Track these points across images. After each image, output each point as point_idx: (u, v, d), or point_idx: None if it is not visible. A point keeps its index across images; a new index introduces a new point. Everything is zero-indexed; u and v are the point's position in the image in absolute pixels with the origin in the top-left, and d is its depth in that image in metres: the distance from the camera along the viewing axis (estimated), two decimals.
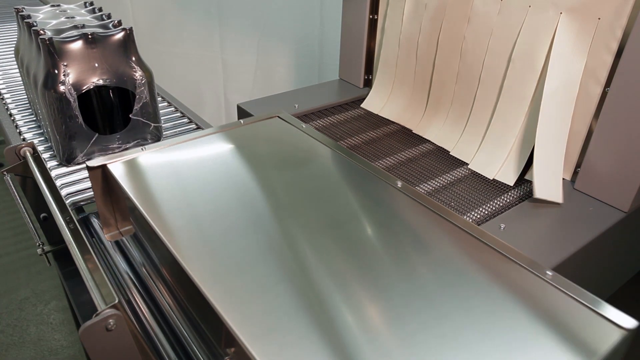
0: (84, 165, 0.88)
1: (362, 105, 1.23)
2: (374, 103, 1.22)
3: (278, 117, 0.80)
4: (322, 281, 0.48)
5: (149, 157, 0.68)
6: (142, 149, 0.69)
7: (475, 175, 0.95)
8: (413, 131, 1.11)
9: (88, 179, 0.84)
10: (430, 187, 0.90)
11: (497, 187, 0.91)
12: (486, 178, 0.94)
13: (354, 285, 0.47)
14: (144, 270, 0.67)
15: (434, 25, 1.06)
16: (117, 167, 0.64)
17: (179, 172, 0.65)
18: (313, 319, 0.43)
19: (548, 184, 0.85)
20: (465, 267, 0.50)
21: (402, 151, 1.03)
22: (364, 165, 0.68)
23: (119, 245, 0.72)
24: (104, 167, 0.65)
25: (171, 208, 0.57)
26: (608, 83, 0.82)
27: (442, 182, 0.92)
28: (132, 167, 0.65)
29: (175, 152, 0.70)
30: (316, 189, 0.62)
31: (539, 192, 0.84)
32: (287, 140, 0.75)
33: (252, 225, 0.55)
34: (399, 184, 0.63)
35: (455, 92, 1.05)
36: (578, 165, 0.90)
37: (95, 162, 0.64)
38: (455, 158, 1.01)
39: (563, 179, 0.92)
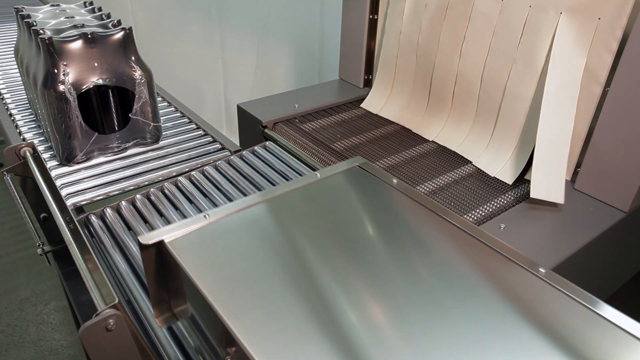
0: (83, 165, 0.88)
1: (361, 106, 1.23)
2: (373, 103, 1.22)
3: (358, 166, 0.68)
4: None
5: (214, 227, 0.56)
6: (205, 216, 0.56)
7: (475, 175, 0.95)
8: (413, 131, 1.11)
9: (88, 179, 0.84)
10: (430, 187, 0.90)
11: (497, 187, 0.91)
12: (486, 178, 0.94)
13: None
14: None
15: (434, 25, 1.06)
16: (177, 244, 0.52)
17: (250, 245, 0.54)
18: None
19: (547, 184, 0.85)
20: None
21: (402, 151, 1.03)
22: (475, 233, 0.56)
23: (119, 245, 0.72)
24: (159, 244, 0.52)
25: (242, 293, 0.47)
26: (608, 83, 0.82)
27: (442, 182, 0.92)
28: (195, 242, 0.53)
29: (244, 219, 0.58)
30: (422, 269, 0.51)
31: (535, 192, 0.84)
32: (376, 201, 0.62)
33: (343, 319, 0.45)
34: (542, 270, 0.50)
35: (455, 92, 1.05)
36: (578, 165, 0.90)
37: (149, 238, 0.51)
38: (455, 158, 1.01)
39: None
